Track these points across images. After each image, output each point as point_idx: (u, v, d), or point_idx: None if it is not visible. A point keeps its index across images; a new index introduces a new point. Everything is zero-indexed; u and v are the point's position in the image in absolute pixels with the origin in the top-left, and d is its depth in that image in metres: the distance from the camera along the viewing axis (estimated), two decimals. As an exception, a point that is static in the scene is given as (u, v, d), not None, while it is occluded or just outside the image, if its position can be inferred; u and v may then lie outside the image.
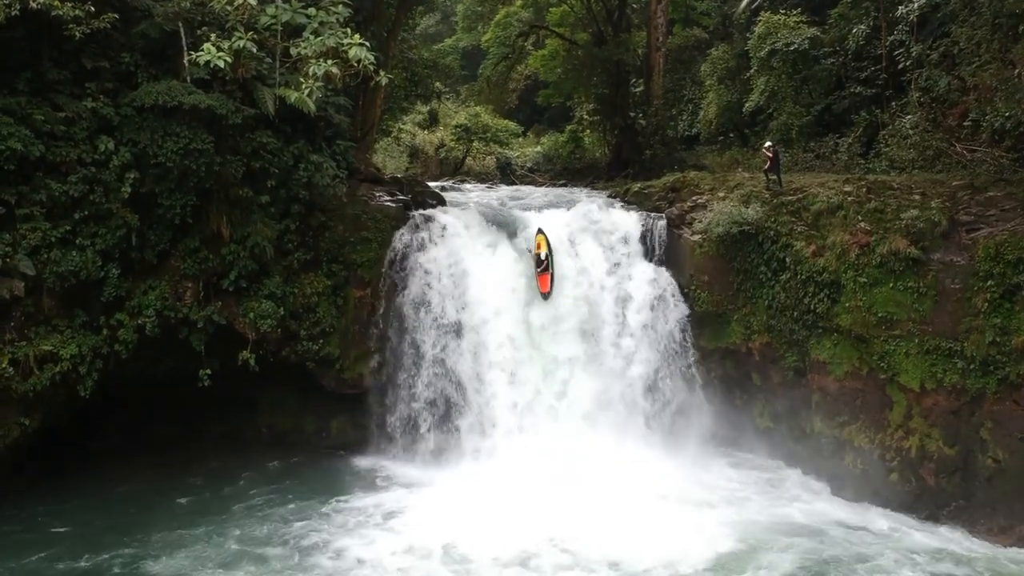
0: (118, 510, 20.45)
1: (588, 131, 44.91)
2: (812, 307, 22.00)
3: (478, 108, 48.98)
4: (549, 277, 24.14)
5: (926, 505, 20.03)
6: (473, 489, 21.44)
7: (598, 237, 25.56)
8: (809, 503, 21.10)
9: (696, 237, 24.50)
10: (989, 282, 19.51)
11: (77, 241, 19.93)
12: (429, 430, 23.79)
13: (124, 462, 23.18)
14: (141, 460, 23.37)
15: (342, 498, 21.28)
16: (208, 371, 21.89)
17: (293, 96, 18.10)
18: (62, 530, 19.27)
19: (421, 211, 26.05)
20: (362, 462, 23.97)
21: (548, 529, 19.01)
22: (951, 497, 19.79)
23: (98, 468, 22.80)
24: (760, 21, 34.85)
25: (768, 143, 25.99)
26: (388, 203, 25.65)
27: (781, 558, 17.93)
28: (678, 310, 24.38)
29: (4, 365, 18.86)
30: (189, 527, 19.42)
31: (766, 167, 25.03)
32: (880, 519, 20.05)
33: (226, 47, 16.58)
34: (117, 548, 18.23)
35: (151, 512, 20.23)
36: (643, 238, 25.43)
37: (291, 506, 20.69)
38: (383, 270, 24.52)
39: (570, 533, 18.85)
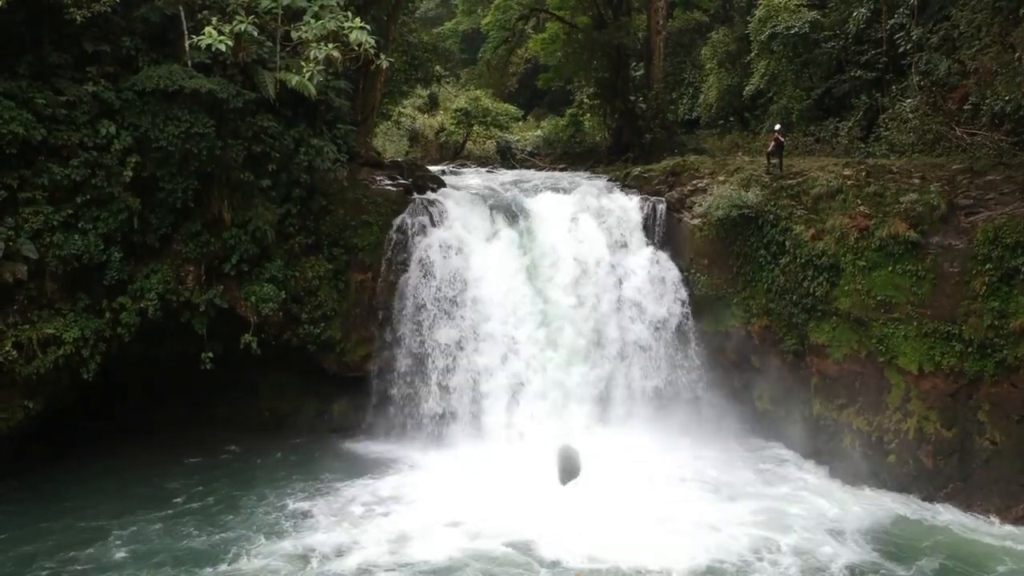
0: (116, 492, 20.58)
1: (588, 115, 44.84)
2: (811, 290, 22.10)
3: (478, 92, 48.88)
4: None
5: (924, 486, 20.20)
6: (473, 470, 21.62)
7: (598, 221, 25.62)
8: (807, 485, 21.26)
9: (696, 221, 24.57)
10: (987, 265, 19.60)
11: (79, 225, 20.01)
12: (430, 412, 23.91)
13: (126, 445, 23.31)
14: (143, 443, 23.51)
15: (339, 480, 21.44)
16: (210, 354, 22.00)
17: (294, 80, 18.16)
18: (64, 507, 19.53)
19: (422, 195, 26.10)
20: (362, 444, 24.14)
21: (553, 507, 19.32)
22: (948, 478, 19.95)
23: (100, 451, 22.92)
24: (760, 4, 34.81)
25: (777, 126, 26.03)
26: (389, 187, 25.70)
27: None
28: (678, 294, 24.47)
29: (7, 348, 18.97)
30: (184, 508, 19.73)
31: (769, 150, 25.07)
32: (879, 500, 20.25)
33: (227, 31, 16.65)
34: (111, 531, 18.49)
35: (147, 495, 20.42)
36: (643, 222, 25.51)
37: (289, 489, 20.84)
38: (384, 254, 24.59)
39: (567, 507, 19.21)
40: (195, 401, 24.80)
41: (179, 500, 20.13)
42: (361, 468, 22.38)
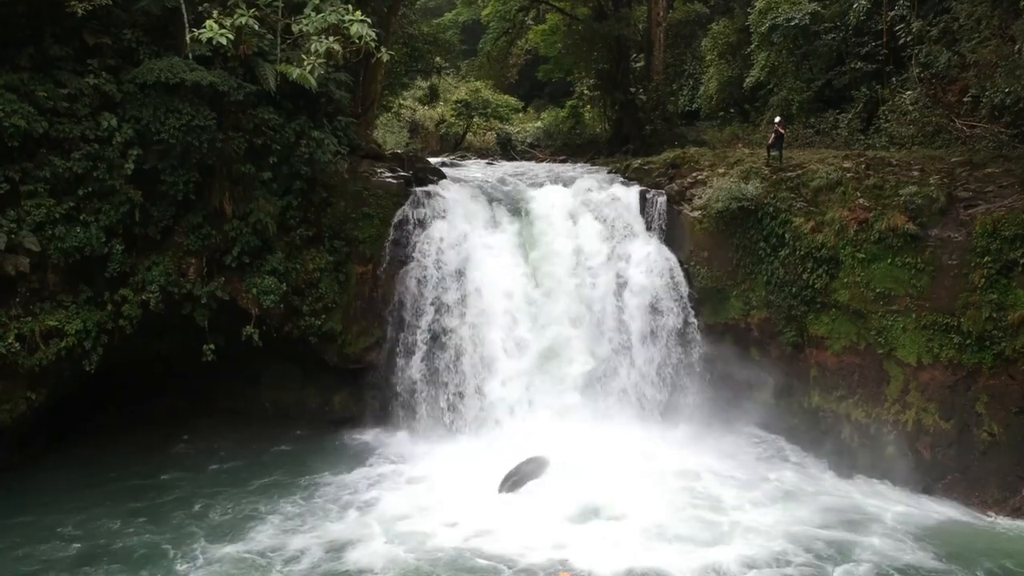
0: (119, 484, 20.75)
1: (588, 106, 44.83)
2: (811, 283, 22.18)
3: (478, 83, 48.89)
4: None
5: (922, 478, 20.29)
6: (474, 461, 21.69)
7: (598, 213, 25.70)
8: (806, 477, 21.35)
9: (696, 213, 24.62)
10: (986, 258, 19.66)
11: (81, 217, 20.07)
12: (431, 404, 24.02)
13: (127, 436, 23.50)
14: (143, 434, 23.70)
15: (338, 472, 21.59)
16: (212, 346, 22.07)
17: (295, 73, 18.16)
18: (59, 501, 19.65)
19: (422, 187, 26.15)
20: (363, 436, 24.27)
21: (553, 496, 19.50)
22: (947, 470, 20.05)
23: (103, 442, 23.06)
24: (761, -4, 34.72)
25: (778, 118, 26.08)
26: (389, 179, 25.74)
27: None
28: (677, 286, 24.54)
29: (10, 340, 19.04)
30: (185, 499, 19.95)
31: (769, 142, 25.12)
32: (877, 492, 20.36)
33: (228, 24, 16.65)
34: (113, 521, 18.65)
35: (149, 485, 20.64)
36: (643, 214, 25.55)
37: (288, 480, 20.96)
38: (385, 246, 24.68)
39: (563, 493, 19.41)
40: (196, 393, 24.93)
41: (175, 490, 20.35)
42: (357, 459, 22.51)
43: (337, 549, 17.34)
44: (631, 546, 17.35)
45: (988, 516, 18.99)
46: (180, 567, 16.60)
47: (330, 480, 21.04)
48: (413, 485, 20.70)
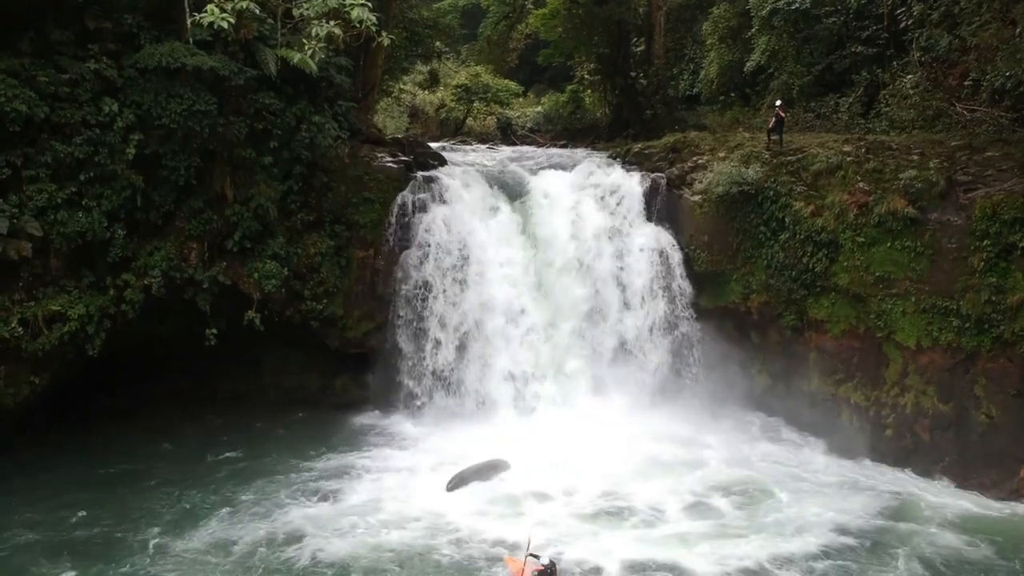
0: (125, 468, 20.83)
1: (589, 91, 44.70)
2: (810, 266, 22.25)
3: (478, 68, 48.73)
4: None
5: (920, 460, 20.43)
6: (476, 445, 21.72)
7: (599, 198, 25.71)
8: (804, 460, 21.47)
9: (696, 197, 24.65)
10: (985, 241, 19.73)
11: (83, 202, 20.11)
12: (432, 388, 24.12)
13: (128, 419, 23.65)
14: (145, 418, 23.82)
15: (340, 452, 21.76)
16: (214, 331, 22.15)
17: (296, 57, 18.24)
18: (35, 487, 19.61)
19: (423, 172, 26.15)
20: (364, 420, 24.35)
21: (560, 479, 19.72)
22: (945, 452, 20.18)
23: (103, 426, 23.17)
24: (762, -21, 34.60)
25: (779, 102, 26.07)
26: (390, 164, 25.75)
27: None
28: (678, 270, 24.60)
29: (13, 325, 19.14)
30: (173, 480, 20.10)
31: (770, 126, 25.12)
32: (875, 473, 20.49)
33: (229, 8, 16.68)
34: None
35: (130, 470, 20.66)
36: (644, 198, 25.56)
37: (277, 466, 20.97)
38: (386, 231, 24.72)
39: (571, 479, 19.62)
40: (198, 377, 25.02)
41: (155, 477, 20.36)
42: (358, 443, 22.62)
43: (296, 539, 17.13)
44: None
45: (986, 498, 19.10)
46: (132, 558, 16.37)
47: (315, 466, 20.98)
48: (395, 474, 20.55)
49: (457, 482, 19.40)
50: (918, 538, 17.16)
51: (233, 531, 17.40)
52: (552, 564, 14.73)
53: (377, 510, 18.42)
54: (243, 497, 19.05)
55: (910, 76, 27.75)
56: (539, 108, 48.13)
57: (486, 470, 19.97)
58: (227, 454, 21.78)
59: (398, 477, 20.23)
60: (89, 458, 21.15)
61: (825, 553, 16.53)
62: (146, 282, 21.31)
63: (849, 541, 17.00)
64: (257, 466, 20.89)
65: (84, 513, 18.16)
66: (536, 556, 14.85)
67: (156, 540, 17.03)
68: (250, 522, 17.79)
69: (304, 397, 25.42)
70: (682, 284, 24.59)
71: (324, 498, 19.02)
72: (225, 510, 18.41)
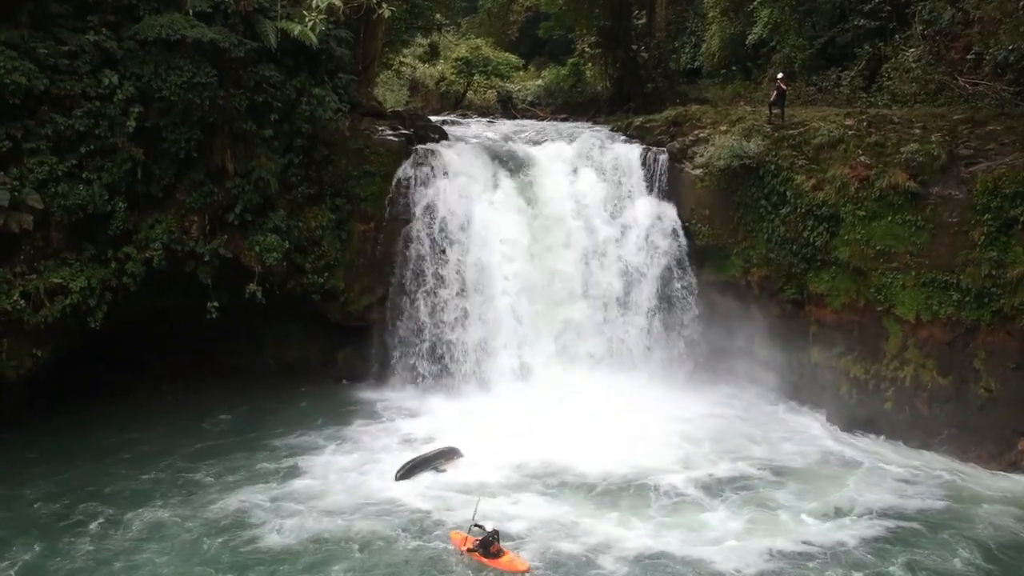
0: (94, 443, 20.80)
1: (590, 64, 44.48)
2: (811, 240, 22.26)
3: (479, 41, 48.48)
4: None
5: (919, 433, 20.55)
6: (476, 415, 22.03)
7: (600, 172, 25.66)
8: (805, 432, 21.62)
9: (697, 171, 24.61)
10: (986, 215, 19.74)
11: (84, 175, 20.12)
12: (433, 360, 24.20)
13: (128, 394, 23.71)
14: (145, 393, 23.92)
15: (336, 425, 21.85)
16: (215, 303, 22.19)
17: (296, 29, 18.15)
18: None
19: (423, 145, 26.11)
20: (365, 393, 24.44)
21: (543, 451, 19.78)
22: (943, 425, 20.28)
23: (106, 400, 23.26)
24: (765, -49, 34.35)
25: (780, 74, 25.96)
26: (391, 137, 25.69)
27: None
28: (678, 243, 24.60)
29: (15, 298, 19.21)
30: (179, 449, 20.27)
31: (771, 99, 25.04)
32: (874, 446, 20.62)
33: (229, -21, 16.57)
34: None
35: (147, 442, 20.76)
36: (645, 172, 25.52)
37: (288, 438, 21.08)
38: (386, 204, 24.71)
39: (562, 455, 19.57)
40: (200, 351, 25.04)
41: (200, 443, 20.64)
42: (359, 415, 22.70)
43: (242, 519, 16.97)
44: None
45: (984, 470, 19.24)
46: (75, 538, 16.13)
47: (306, 439, 21.05)
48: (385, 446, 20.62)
49: (406, 471, 18.75)
50: (920, 509, 17.32)
51: (202, 508, 17.31)
52: (495, 532, 15.17)
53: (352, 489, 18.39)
54: (227, 469, 19.14)
55: (912, 49, 27.60)
56: (540, 81, 47.89)
57: (435, 459, 19.37)
58: (222, 427, 21.93)
59: (389, 448, 20.38)
60: (77, 432, 21.16)
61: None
62: (147, 255, 21.35)
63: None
64: (248, 440, 20.96)
65: (46, 489, 18.06)
66: (480, 526, 15.29)
67: (103, 519, 16.78)
68: (215, 501, 17.61)
69: (306, 370, 25.49)
70: (682, 257, 24.58)
71: (292, 474, 18.93)
72: (208, 480, 18.57)
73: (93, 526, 16.49)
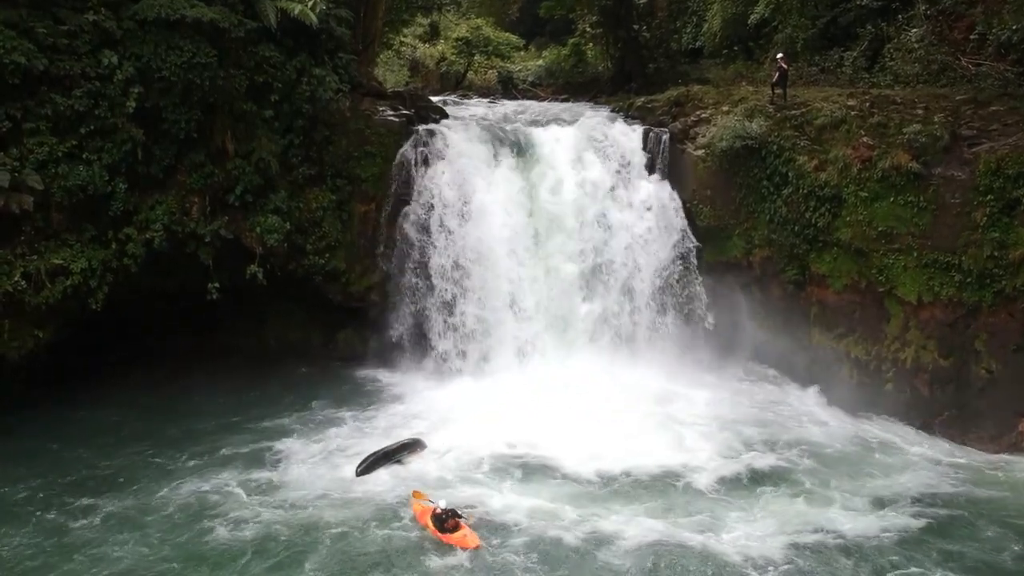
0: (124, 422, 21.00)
1: (591, 44, 44.17)
2: (813, 221, 22.23)
3: (479, 20, 48.21)
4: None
5: (920, 414, 20.59)
6: (475, 398, 22.07)
7: (601, 152, 25.58)
8: (805, 414, 21.63)
9: (699, 152, 24.54)
10: (989, 196, 19.71)
11: (84, 156, 20.05)
12: (434, 341, 24.22)
13: (127, 375, 23.79)
14: (145, 372, 23.96)
15: (335, 407, 21.87)
16: (216, 284, 22.19)
17: (296, 9, 18.12)
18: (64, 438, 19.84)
19: (424, 126, 26.01)
20: (365, 373, 24.49)
21: (531, 433, 19.74)
22: (944, 407, 20.33)
23: (112, 378, 23.30)
24: (767, -70, 34.09)
25: (780, 54, 25.86)
26: (391, 117, 25.61)
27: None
28: (680, 224, 24.57)
29: (16, 279, 19.19)
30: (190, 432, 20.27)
31: (773, 80, 24.94)
32: (875, 427, 20.66)
33: (229, -42, 16.48)
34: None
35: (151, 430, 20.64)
36: (646, 153, 25.46)
37: (276, 419, 21.07)
38: (387, 185, 24.64)
39: (556, 442, 19.39)
40: (201, 333, 25.10)
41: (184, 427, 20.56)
42: (358, 395, 22.78)
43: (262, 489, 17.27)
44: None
45: (984, 452, 19.29)
46: (46, 522, 16.02)
47: (304, 422, 21.04)
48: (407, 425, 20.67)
49: (367, 465, 18.16)
50: (920, 490, 17.36)
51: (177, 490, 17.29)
52: (453, 510, 15.21)
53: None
54: (202, 453, 19.07)
55: (915, 30, 27.43)
56: (540, 62, 47.61)
57: (397, 451, 18.76)
58: (213, 409, 21.79)
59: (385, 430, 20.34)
60: (65, 416, 21.13)
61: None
62: (148, 236, 21.30)
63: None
64: (243, 422, 20.91)
65: (14, 474, 17.94)
66: (456, 511, 15.35)
67: (69, 507, 16.54)
68: (183, 487, 17.45)
69: (307, 351, 25.52)
70: (683, 238, 24.53)
71: (271, 460, 18.86)
72: (179, 465, 18.47)
73: (54, 514, 16.21)
